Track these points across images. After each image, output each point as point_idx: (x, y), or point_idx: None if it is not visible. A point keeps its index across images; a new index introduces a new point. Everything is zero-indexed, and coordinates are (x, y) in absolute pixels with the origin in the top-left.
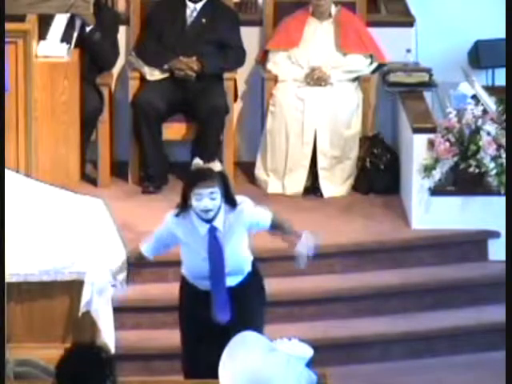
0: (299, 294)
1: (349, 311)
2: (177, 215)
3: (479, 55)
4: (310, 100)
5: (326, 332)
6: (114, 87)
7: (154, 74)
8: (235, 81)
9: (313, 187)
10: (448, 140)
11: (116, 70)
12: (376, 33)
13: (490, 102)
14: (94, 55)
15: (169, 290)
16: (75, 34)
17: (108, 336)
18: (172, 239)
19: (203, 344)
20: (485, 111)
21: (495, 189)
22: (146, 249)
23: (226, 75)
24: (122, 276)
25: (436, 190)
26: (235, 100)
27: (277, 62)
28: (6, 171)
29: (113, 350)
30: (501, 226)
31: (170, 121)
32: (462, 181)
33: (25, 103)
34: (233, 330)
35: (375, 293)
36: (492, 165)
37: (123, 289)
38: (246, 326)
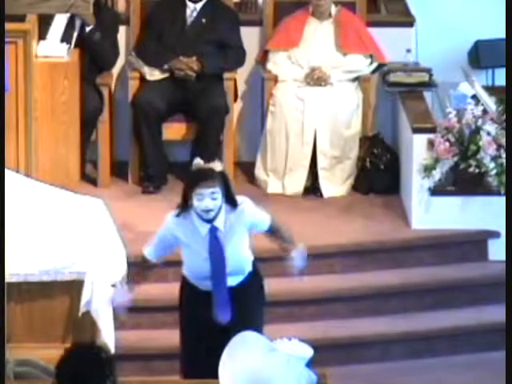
0: (299, 294)
1: (349, 311)
2: (177, 215)
3: (479, 55)
4: (310, 100)
5: (326, 332)
6: (114, 87)
7: (153, 74)
8: (235, 81)
9: (313, 187)
10: (448, 140)
11: (116, 70)
12: (376, 33)
13: (490, 102)
14: (93, 55)
15: (169, 290)
16: (75, 34)
17: (108, 336)
18: (174, 240)
19: (203, 344)
20: (485, 111)
21: (495, 189)
22: (149, 252)
23: (226, 75)
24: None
25: (436, 190)
26: (235, 100)
27: (277, 62)
28: (6, 171)
29: (113, 350)
30: (501, 226)
31: (170, 121)
32: (462, 181)
33: (25, 103)
34: (233, 330)
35: (375, 293)
36: (492, 165)
37: (124, 296)
38: (246, 326)
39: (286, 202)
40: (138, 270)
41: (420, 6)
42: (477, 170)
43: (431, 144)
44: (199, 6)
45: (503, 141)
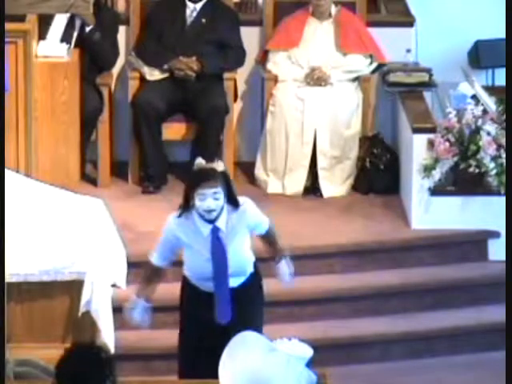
0: (299, 294)
1: (349, 311)
2: (179, 216)
3: (479, 55)
4: (309, 100)
5: (326, 332)
6: (114, 87)
7: (153, 74)
8: (235, 81)
9: (313, 187)
10: (448, 140)
11: (116, 70)
12: (376, 33)
13: (490, 102)
14: (93, 55)
15: (169, 290)
16: (75, 34)
17: (108, 336)
18: (176, 242)
19: (203, 344)
20: (485, 111)
21: (495, 189)
22: (155, 259)
23: (226, 75)
24: (122, 276)
25: (436, 190)
26: (235, 100)
27: (277, 62)
28: (6, 171)
29: (112, 350)
30: (501, 226)
31: (169, 121)
32: (461, 181)
33: (25, 103)
34: (233, 331)
35: (375, 293)
36: (492, 165)
37: (142, 315)
38: (246, 327)
39: (286, 202)
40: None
41: (420, 5)
42: (477, 170)
43: (431, 144)
44: (199, 5)
45: (503, 141)
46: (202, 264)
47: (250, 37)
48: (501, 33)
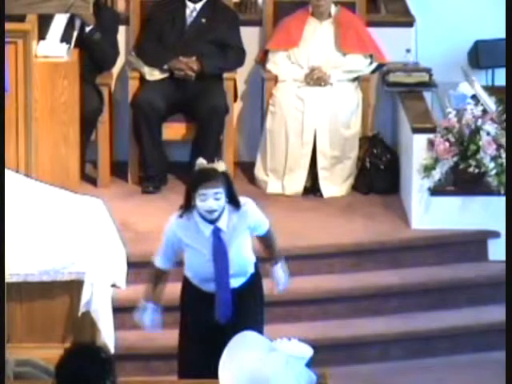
0: (299, 294)
1: (348, 311)
2: (180, 216)
3: (479, 55)
4: (309, 100)
5: (326, 332)
6: (114, 87)
7: (153, 74)
8: (235, 81)
9: (312, 187)
10: (448, 140)
11: (116, 70)
12: (376, 33)
13: (490, 102)
14: (93, 55)
15: (169, 290)
16: (75, 34)
17: (108, 336)
18: (178, 243)
19: (204, 345)
20: (485, 111)
21: (495, 189)
22: (159, 262)
23: (226, 75)
24: (122, 276)
25: (436, 190)
26: (235, 100)
27: (277, 62)
28: (6, 171)
29: (112, 350)
30: (501, 226)
31: (169, 121)
32: (461, 181)
33: (25, 103)
34: (234, 331)
35: (375, 293)
36: (492, 165)
37: (152, 319)
38: (247, 327)
39: (286, 202)
40: (155, 281)
41: (420, 5)
42: (476, 170)
43: (431, 144)
44: (199, 5)
45: (503, 141)
46: (203, 265)
47: (249, 37)
48: (501, 33)
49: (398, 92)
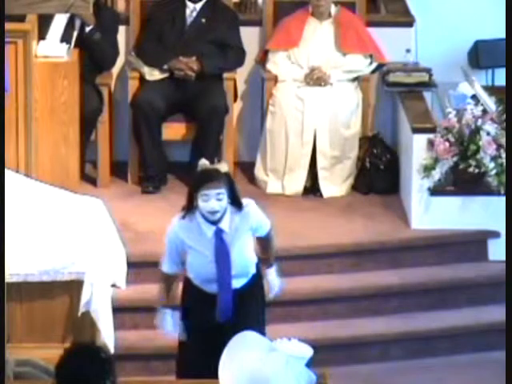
0: (299, 294)
1: (348, 311)
2: (183, 217)
3: (479, 55)
4: (309, 100)
5: (326, 332)
6: (114, 87)
7: (153, 74)
8: (235, 81)
9: (312, 187)
10: (448, 140)
11: (116, 70)
12: (376, 33)
13: (490, 102)
14: (93, 55)
15: None
16: (75, 34)
17: (107, 336)
18: (181, 245)
19: (205, 345)
20: (485, 111)
21: (495, 189)
22: (166, 268)
23: (226, 75)
24: (122, 276)
25: (436, 190)
26: (235, 100)
27: (277, 62)
28: (6, 171)
29: (112, 350)
30: (501, 226)
31: (169, 121)
32: (461, 181)
33: (25, 103)
34: (235, 331)
35: (375, 293)
36: (492, 165)
37: (172, 325)
38: (249, 327)
39: (286, 202)
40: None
41: (420, 5)
42: (476, 170)
43: (431, 144)
44: (199, 5)
45: (503, 141)
46: (205, 266)
47: (249, 37)
48: (501, 33)
49: (398, 92)
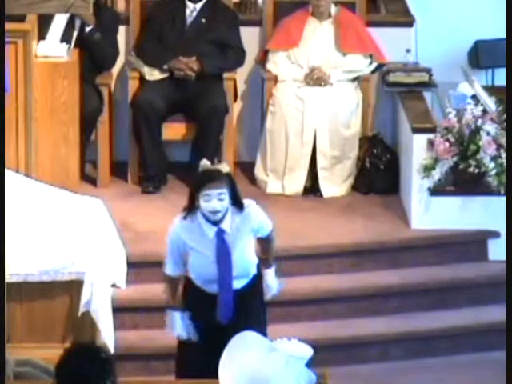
0: (298, 294)
1: (348, 311)
2: (184, 218)
3: (479, 55)
4: (309, 100)
5: (326, 332)
6: (114, 87)
7: (153, 74)
8: (235, 81)
9: (312, 187)
10: (448, 140)
11: (116, 70)
12: (376, 33)
13: (490, 102)
14: (93, 55)
15: None
16: (75, 34)
17: (107, 336)
18: (183, 245)
19: (205, 345)
20: (485, 111)
21: (495, 189)
22: (170, 270)
23: (226, 75)
24: (122, 276)
25: (436, 190)
26: (235, 100)
27: (276, 62)
28: (6, 171)
29: (112, 350)
30: (501, 226)
31: (169, 121)
32: (461, 181)
33: (25, 103)
34: (236, 331)
35: (375, 293)
36: (492, 165)
37: (184, 327)
38: (250, 327)
39: (286, 202)
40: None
41: (420, 5)
42: (476, 170)
43: (431, 144)
44: (199, 5)
45: (503, 141)
46: (206, 266)
47: (249, 37)
48: (501, 33)
49: (398, 92)
